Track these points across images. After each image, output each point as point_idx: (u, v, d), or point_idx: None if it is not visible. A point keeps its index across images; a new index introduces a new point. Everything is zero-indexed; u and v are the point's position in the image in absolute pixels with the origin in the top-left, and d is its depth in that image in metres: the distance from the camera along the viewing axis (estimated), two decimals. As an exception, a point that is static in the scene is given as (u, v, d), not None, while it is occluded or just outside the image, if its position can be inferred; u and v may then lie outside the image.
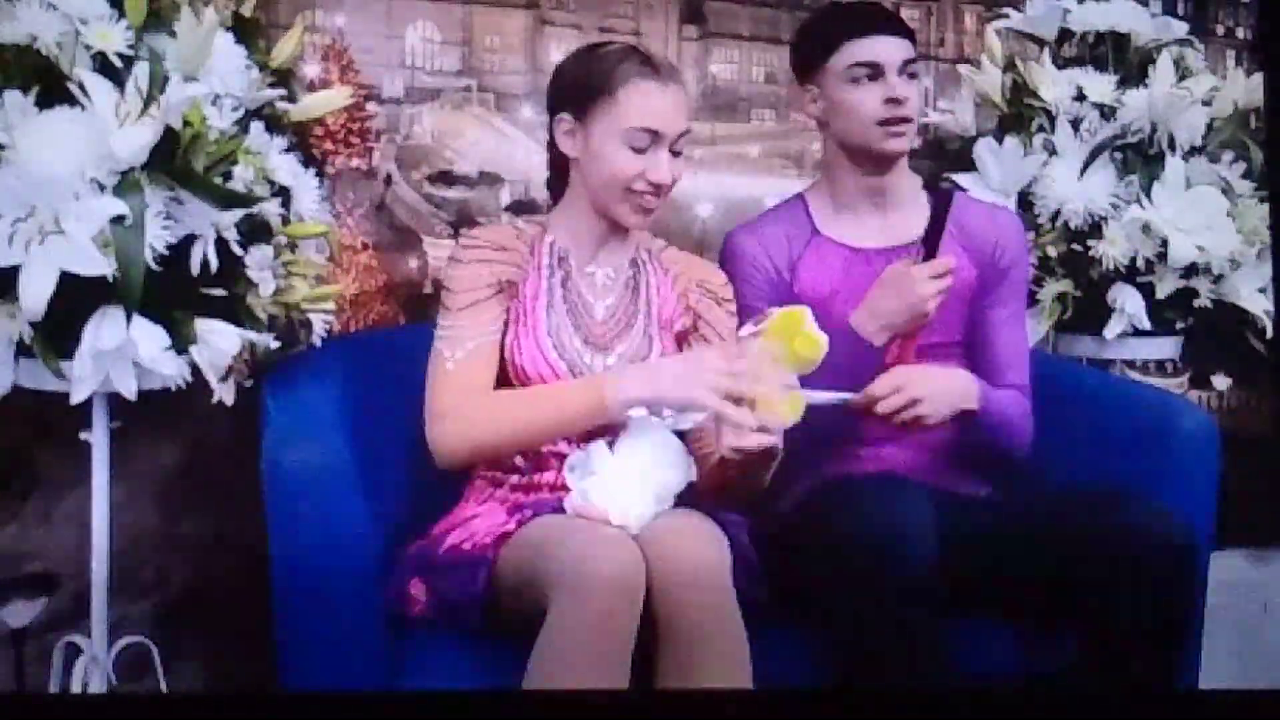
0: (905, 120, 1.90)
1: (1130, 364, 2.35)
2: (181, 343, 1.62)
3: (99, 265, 1.54)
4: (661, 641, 1.58)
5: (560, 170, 1.88)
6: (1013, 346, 1.98)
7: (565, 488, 1.72)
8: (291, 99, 1.82)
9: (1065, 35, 2.32)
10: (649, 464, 1.69)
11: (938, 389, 1.81)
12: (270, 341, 1.72)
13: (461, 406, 1.75)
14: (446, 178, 2.30)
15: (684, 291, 1.89)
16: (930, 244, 1.89)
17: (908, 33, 1.95)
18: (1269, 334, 2.21)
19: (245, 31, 1.76)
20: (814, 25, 2.01)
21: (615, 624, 1.53)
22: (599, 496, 1.66)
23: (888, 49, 1.90)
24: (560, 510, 1.70)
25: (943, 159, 2.28)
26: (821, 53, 1.93)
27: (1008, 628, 1.83)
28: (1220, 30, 2.72)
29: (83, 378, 1.60)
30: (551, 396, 1.76)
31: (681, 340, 1.88)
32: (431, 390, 1.78)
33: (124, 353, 1.59)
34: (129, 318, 1.57)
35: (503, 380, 1.81)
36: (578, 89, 1.81)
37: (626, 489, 1.67)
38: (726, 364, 1.68)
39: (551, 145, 1.87)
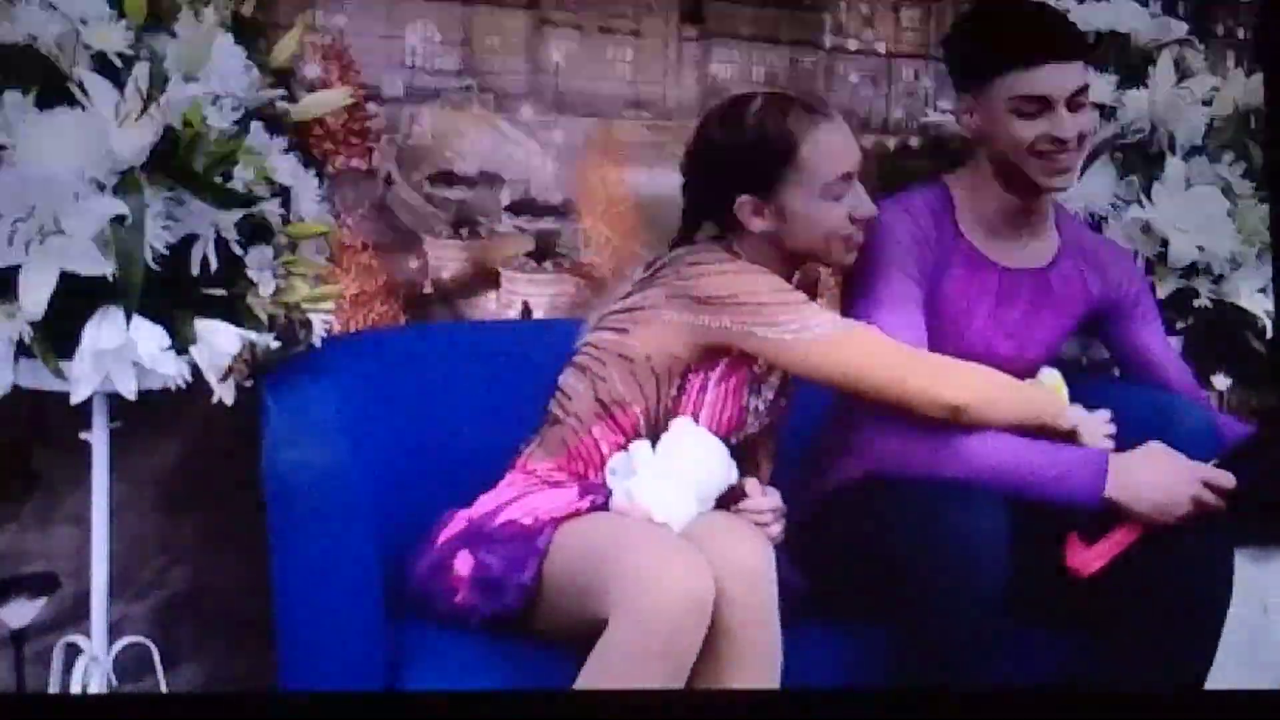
0: (1068, 157, 1.82)
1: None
2: (181, 343, 1.62)
3: (99, 265, 1.54)
4: (704, 643, 1.57)
5: (694, 225, 1.83)
6: (1177, 360, 2.02)
7: None
8: (291, 99, 1.82)
9: (1065, 35, 2.32)
10: (691, 464, 1.70)
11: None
12: (270, 341, 1.72)
13: (956, 365, 1.73)
14: (446, 178, 2.30)
15: None
16: (1230, 461, 1.76)
17: (1081, 50, 1.84)
18: (1269, 334, 2.21)
19: (245, 31, 1.76)
20: (976, 35, 1.86)
21: (684, 641, 1.54)
22: (642, 495, 1.66)
23: (1057, 81, 1.78)
24: None
25: (943, 159, 2.28)
26: (984, 72, 1.81)
27: (1021, 631, 1.83)
28: (1220, 30, 2.72)
29: (83, 378, 1.60)
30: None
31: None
32: (901, 353, 1.71)
33: (124, 353, 1.59)
34: (129, 318, 1.57)
35: (666, 420, 1.76)
36: (755, 167, 1.73)
37: (669, 488, 1.67)
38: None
39: (693, 206, 1.82)
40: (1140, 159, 2.22)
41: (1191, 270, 2.18)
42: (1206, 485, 1.72)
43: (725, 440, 1.76)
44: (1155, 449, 1.75)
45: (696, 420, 1.76)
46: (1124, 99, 2.23)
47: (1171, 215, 2.16)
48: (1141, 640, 1.72)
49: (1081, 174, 2.18)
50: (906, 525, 1.67)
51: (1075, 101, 1.80)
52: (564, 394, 1.82)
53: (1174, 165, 2.18)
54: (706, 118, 1.82)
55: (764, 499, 1.76)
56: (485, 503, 1.77)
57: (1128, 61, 2.29)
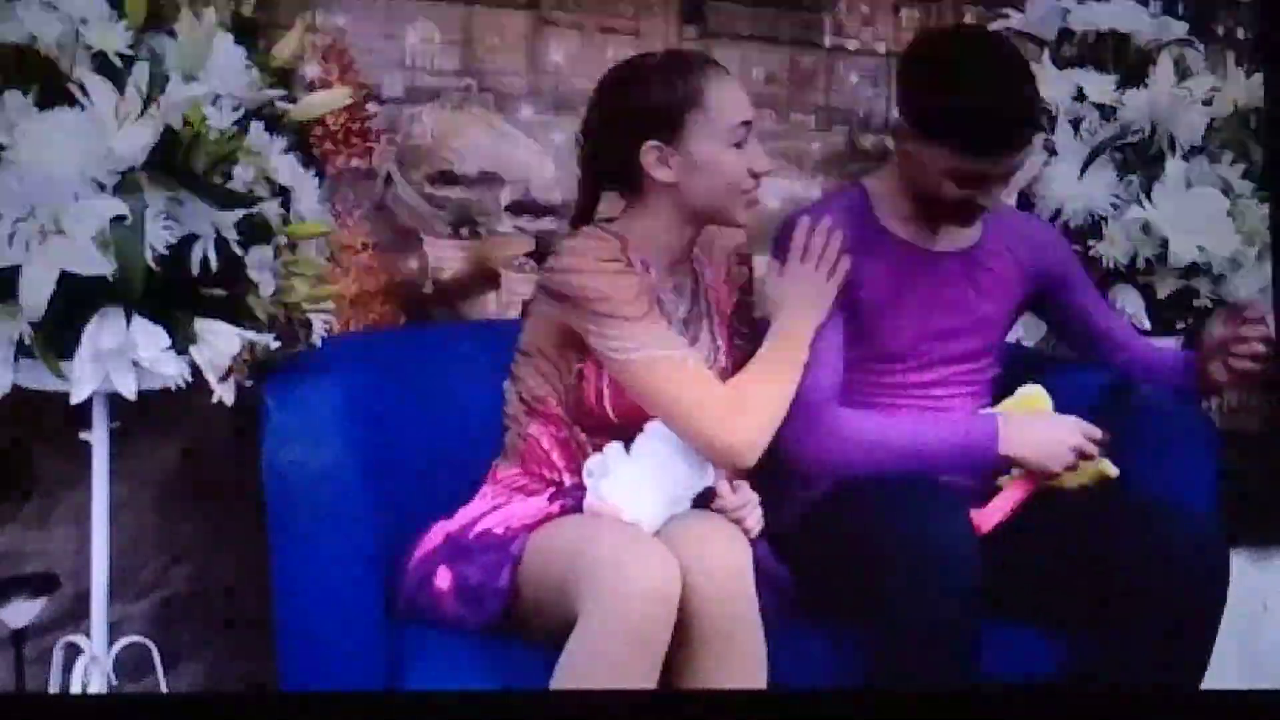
0: (982, 211, 1.84)
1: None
2: (181, 343, 1.62)
3: (99, 265, 1.54)
4: (681, 642, 1.58)
5: (593, 194, 1.83)
6: (1117, 319, 2.06)
7: None
8: (291, 99, 1.82)
9: (1065, 35, 2.32)
10: (664, 465, 1.70)
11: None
12: (270, 341, 1.72)
13: (757, 404, 1.71)
14: (446, 178, 2.30)
15: (728, 269, 1.89)
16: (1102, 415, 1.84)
17: (1036, 131, 1.84)
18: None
19: (245, 31, 1.76)
20: (931, 96, 1.78)
21: (650, 635, 1.54)
22: (613, 495, 1.67)
23: (1000, 168, 1.79)
24: None
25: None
26: (932, 128, 1.77)
27: (1023, 630, 1.84)
28: (1220, 30, 2.72)
29: (83, 378, 1.60)
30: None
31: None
32: (689, 393, 1.68)
33: (124, 353, 1.59)
34: (129, 318, 1.58)
35: (578, 408, 1.76)
36: (661, 113, 1.73)
37: (641, 489, 1.67)
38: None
39: (593, 172, 1.82)
40: (1140, 159, 2.22)
41: (1191, 270, 2.18)
42: (1085, 437, 1.80)
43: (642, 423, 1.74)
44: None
45: (601, 404, 1.75)
46: (1124, 99, 2.23)
47: (1171, 215, 2.16)
48: (1139, 640, 1.72)
49: (1081, 174, 2.18)
50: (877, 526, 1.69)
51: (1011, 176, 1.82)
52: (505, 399, 1.85)
53: (1174, 165, 2.19)
54: (603, 82, 1.81)
55: (734, 496, 1.75)
56: (462, 515, 1.78)
57: (1128, 61, 2.29)
